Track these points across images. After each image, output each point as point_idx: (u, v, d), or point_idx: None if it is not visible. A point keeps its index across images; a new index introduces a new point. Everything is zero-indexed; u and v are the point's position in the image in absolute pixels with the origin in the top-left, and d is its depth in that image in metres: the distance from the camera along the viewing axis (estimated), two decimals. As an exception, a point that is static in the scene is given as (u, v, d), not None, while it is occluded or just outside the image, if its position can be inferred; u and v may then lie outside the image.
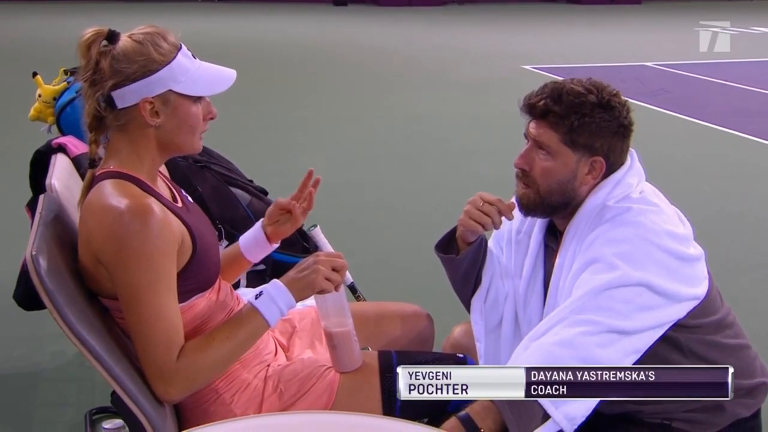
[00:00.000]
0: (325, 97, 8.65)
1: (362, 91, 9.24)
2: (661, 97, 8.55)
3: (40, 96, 3.13)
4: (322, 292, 1.82)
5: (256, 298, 1.78)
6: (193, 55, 1.78)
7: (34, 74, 3.16)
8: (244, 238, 2.11)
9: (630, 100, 2.03)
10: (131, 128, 1.75)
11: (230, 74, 1.82)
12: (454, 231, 2.10)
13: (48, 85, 3.13)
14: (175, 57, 1.74)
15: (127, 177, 1.74)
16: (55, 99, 3.09)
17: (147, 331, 1.68)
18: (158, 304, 1.68)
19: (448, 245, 2.11)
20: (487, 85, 9.18)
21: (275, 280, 1.80)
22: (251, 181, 3.14)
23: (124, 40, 1.73)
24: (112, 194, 1.69)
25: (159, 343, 1.68)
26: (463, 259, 2.07)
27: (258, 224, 2.11)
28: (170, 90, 1.73)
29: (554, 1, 19.45)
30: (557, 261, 1.98)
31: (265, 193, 3.13)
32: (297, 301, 1.79)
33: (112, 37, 1.73)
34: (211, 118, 1.82)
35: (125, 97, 1.72)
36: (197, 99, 1.77)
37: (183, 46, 1.78)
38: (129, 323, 1.71)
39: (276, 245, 2.12)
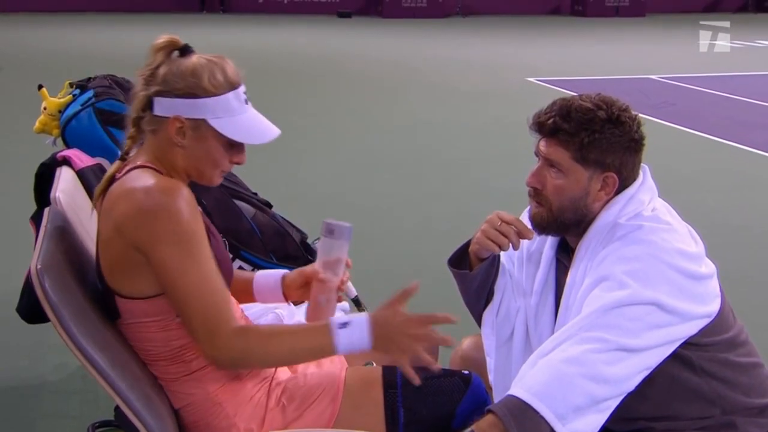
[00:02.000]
0: (329, 107, 8.66)
1: (365, 101, 9.25)
2: (664, 109, 8.55)
3: (45, 109, 3.13)
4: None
5: (342, 326, 1.75)
6: (246, 100, 1.82)
7: (40, 87, 3.16)
8: (261, 280, 2.10)
9: (634, 113, 2.02)
10: (160, 138, 1.80)
11: (273, 132, 1.85)
12: (466, 245, 2.09)
13: (53, 98, 3.13)
14: (224, 93, 1.78)
15: (154, 170, 1.78)
16: (60, 112, 3.10)
17: (197, 298, 1.70)
18: (203, 272, 1.71)
19: (460, 260, 2.10)
20: (491, 97, 9.19)
21: (367, 319, 1.76)
22: (255, 193, 3.14)
23: (191, 58, 1.79)
24: (139, 178, 1.74)
25: (210, 305, 1.70)
26: (476, 276, 2.06)
27: (279, 276, 2.10)
28: (205, 120, 1.77)
29: (558, 13, 19.48)
30: (569, 277, 1.97)
31: (270, 206, 3.12)
32: (372, 349, 1.77)
33: (184, 50, 1.80)
34: (237, 163, 1.85)
35: (162, 106, 1.77)
36: (234, 142, 1.80)
37: (242, 87, 1.81)
38: (177, 301, 1.72)
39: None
